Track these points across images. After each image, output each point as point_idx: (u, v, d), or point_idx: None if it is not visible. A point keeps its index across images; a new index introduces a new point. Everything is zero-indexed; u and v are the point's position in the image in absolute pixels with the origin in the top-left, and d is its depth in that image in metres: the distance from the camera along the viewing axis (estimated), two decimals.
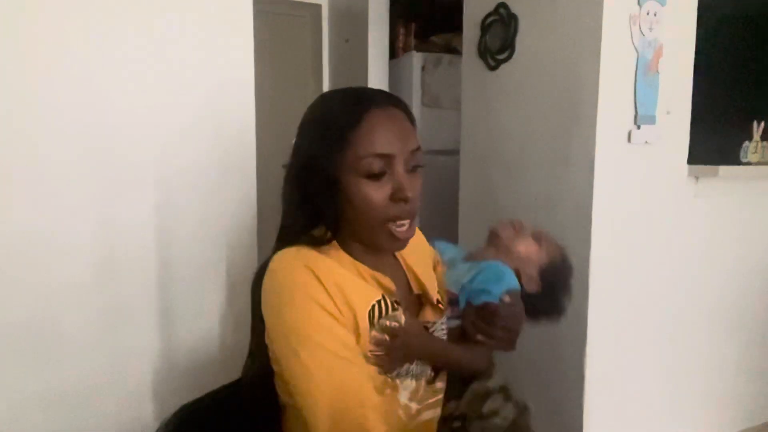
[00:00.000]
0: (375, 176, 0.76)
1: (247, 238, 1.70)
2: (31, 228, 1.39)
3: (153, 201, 1.53)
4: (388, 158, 0.76)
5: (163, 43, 1.51)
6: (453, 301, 0.95)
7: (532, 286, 1.01)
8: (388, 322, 0.80)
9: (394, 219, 0.78)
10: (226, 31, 1.60)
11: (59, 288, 1.43)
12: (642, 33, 1.58)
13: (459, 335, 0.92)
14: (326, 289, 0.74)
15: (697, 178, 1.78)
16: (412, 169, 0.80)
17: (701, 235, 1.85)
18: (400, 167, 0.77)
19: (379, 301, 0.80)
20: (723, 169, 1.73)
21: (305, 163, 0.79)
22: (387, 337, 0.79)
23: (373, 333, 0.78)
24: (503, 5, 1.86)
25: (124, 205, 1.49)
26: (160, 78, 1.51)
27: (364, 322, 0.77)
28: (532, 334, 1.80)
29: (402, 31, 3.12)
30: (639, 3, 1.57)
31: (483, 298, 0.91)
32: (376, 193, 0.76)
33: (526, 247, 1.02)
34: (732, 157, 1.87)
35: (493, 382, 0.98)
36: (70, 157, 1.42)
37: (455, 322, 0.94)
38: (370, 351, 0.78)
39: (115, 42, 1.45)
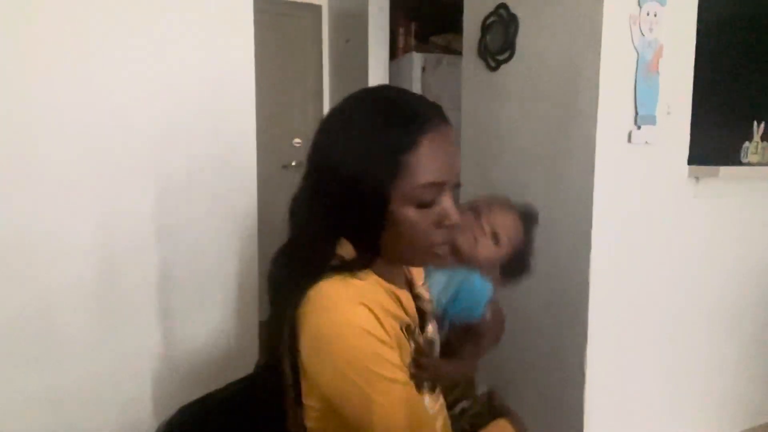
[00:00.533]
0: (425, 205, 0.71)
1: (248, 238, 1.70)
2: (32, 228, 1.39)
3: (153, 201, 1.53)
4: (440, 186, 0.71)
5: (163, 43, 1.51)
6: (435, 317, 0.96)
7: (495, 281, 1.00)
8: (423, 340, 0.81)
9: (440, 244, 0.75)
10: (226, 31, 1.60)
11: (59, 288, 1.43)
12: (642, 33, 1.58)
13: (445, 349, 0.95)
14: (381, 323, 0.70)
15: (697, 178, 1.78)
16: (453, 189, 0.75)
17: (701, 235, 1.85)
18: (448, 193, 0.73)
19: (411, 323, 0.80)
20: (723, 170, 1.73)
21: (342, 181, 0.70)
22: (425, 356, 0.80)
23: (415, 354, 0.78)
24: (503, 6, 1.86)
25: (124, 205, 1.49)
26: (160, 78, 1.51)
27: (402, 341, 0.76)
28: (533, 334, 1.81)
29: (402, 31, 3.12)
30: (639, 3, 1.57)
31: (466, 320, 0.95)
32: (424, 221, 0.71)
33: (486, 250, 0.99)
34: (732, 158, 1.87)
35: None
36: (70, 157, 1.42)
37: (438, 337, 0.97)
38: (413, 372, 0.77)
39: (115, 42, 1.45)
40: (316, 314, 0.69)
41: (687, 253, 1.83)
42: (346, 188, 0.70)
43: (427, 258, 0.76)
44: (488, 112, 1.98)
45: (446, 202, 0.72)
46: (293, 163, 3.34)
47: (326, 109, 3.37)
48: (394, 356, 0.70)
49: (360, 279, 0.72)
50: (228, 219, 1.65)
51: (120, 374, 1.52)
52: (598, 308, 1.64)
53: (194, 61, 1.56)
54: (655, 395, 1.84)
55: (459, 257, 0.97)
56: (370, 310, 0.69)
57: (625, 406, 1.77)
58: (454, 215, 0.72)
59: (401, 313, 0.78)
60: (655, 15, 1.59)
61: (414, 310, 0.83)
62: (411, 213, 0.70)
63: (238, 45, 1.62)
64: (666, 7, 1.61)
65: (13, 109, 1.35)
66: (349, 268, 0.73)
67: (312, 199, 0.75)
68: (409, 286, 0.87)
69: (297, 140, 3.36)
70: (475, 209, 1.00)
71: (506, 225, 1.01)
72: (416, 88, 2.90)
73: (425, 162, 0.69)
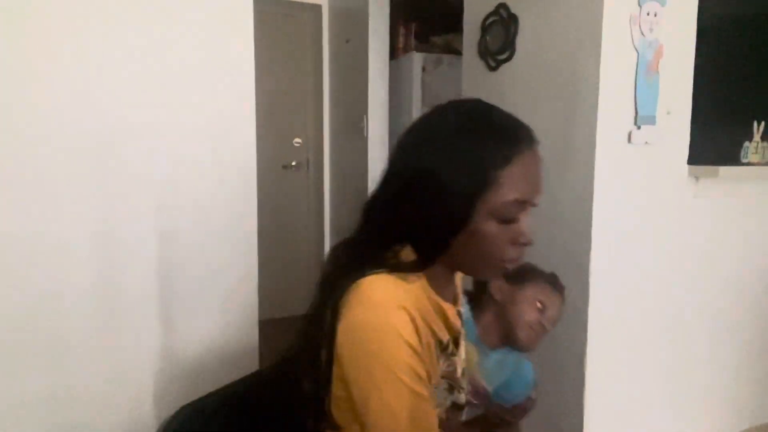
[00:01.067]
0: (507, 221, 0.72)
1: (248, 238, 1.70)
2: (32, 230, 1.39)
3: (153, 201, 1.53)
4: (524, 204, 0.72)
5: (163, 44, 1.51)
6: (481, 393, 1.03)
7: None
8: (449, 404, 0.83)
9: (511, 261, 0.75)
10: (226, 31, 1.60)
11: (60, 289, 1.43)
12: (642, 33, 1.58)
13: (482, 419, 1.03)
14: (418, 332, 0.71)
15: (697, 178, 1.78)
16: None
17: (701, 235, 1.85)
18: (528, 211, 0.74)
19: (447, 339, 0.81)
20: (723, 170, 1.73)
21: (431, 186, 0.71)
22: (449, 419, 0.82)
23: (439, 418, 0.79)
24: (503, 5, 1.86)
25: (124, 206, 1.49)
26: (160, 78, 1.51)
27: (433, 356, 0.77)
28: None
29: (402, 31, 3.12)
30: (639, 3, 1.57)
31: (513, 401, 1.08)
32: (503, 237, 0.72)
33: (536, 337, 1.09)
34: (732, 158, 1.87)
35: None
36: (70, 159, 1.42)
37: (478, 410, 1.05)
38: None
39: (115, 42, 1.45)
40: (359, 305, 0.70)
41: (687, 253, 1.83)
42: (433, 194, 0.71)
43: (495, 272, 0.78)
44: None
45: (525, 220, 0.74)
46: (293, 163, 3.35)
47: (326, 109, 3.37)
48: (420, 368, 0.71)
49: (410, 283, 0.73)
50: (228, 219, 1.65)
51: (120, 374, 1.52)
52: (598, 308, 1.65)
53: (194, 60, 1.56)
54: (655, 395, 1.84)
55: (512, 340, 1.07)
56: (411, 316, 0.70)
57: (625, 406, 1.77)
58: (530, 236, 0.74)
59: (441, 328, 0.78)
60: (655, 15, 1.59)
61: (457, 326, 0.83)
62: (492, 227, 0.71)
63: (238, 45, 1.62)
64: (666, 7, 1.61)
65: (13, 111, 1.35)
66: (403, 269, 0.73)
67: (392, 199, 0.76)
68: (454, 301, 0.87)
69: (297, 140, 3.36)
70: (524, 287, 1.08)
71: (554, 312, 1.11)
72: (416, 87, 2.90)
73: (516, 179, 0.70)
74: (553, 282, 1.15)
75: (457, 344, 0.85)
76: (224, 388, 0.93)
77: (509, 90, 1.87)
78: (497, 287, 1.10)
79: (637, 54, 1.59)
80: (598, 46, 1.54)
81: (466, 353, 0.94)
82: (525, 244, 0.74)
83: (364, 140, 2.95)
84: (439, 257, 0.75)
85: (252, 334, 1.71)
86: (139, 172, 1.50)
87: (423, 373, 0.71)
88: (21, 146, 1.37)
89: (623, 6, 1.55)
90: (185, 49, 1.54)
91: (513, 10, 1.83)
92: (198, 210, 1.60)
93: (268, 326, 2.37)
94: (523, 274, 1.11)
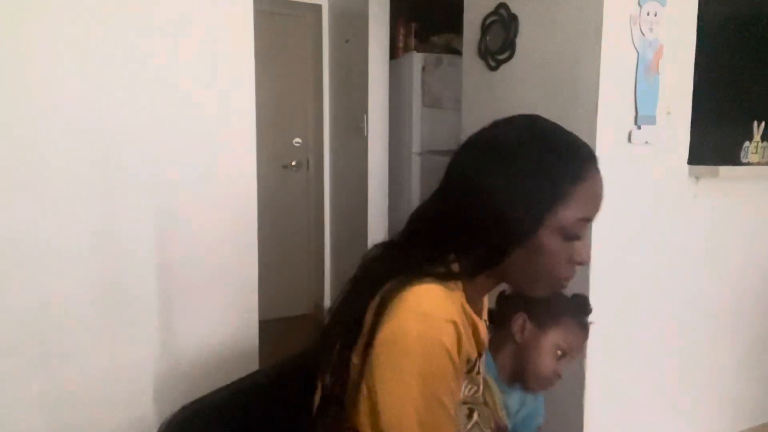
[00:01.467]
0: (571, 238, 0.71)
1: (248, 238, 1.70)
2: (32, 231, 1.39)
3: (153, 202, 1.53)
4: (588, 222, 0.72)
5: (163, 44, 1.51)
6: (503, 430, 1.01)
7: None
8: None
9: (566, 279, 0.74)
10: (226, 31, 1.60)
11: (60, 290, 1.43)
12: (642, 33, 1.58)
13: None
14: (460, 347, 0.69)
15: (697, 178, 1.78)
16: None
17: (701, 235, 1.85)
18: (588, 231, 0.73)
19: (475, 358, 0.79)
20: (723, 170, 1.73)
21: (499, 197, 0.70)
22: None
23: None
24: (503, 5, 1.86)
25: (124, 207, 1.49)
26: (160, 79, 1.51)
27: (460, 377, 0.75)
28: None
29: (402, 31, 3.12)
30: (639, 3, 1.57)
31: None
32: (564, 254, 0.71)
33: (552, 376, 1.07)
34: (732, 158, 1.87)
35: None
36: (70, 159, 1.42)
37: None
38: None
39: (115, 43, 1.45)
40: (407, 313, 0.66)
41: (687, 253, 1.83)
42: (504, 203, 0.69)
43: (548, 289, 0.76)
44: (488, 111, 1.98)
45: (585, 240, 0.73)
46: (293, 163, 3.35)
47: (326, 109, 3.37)
48: (457, 385, 0.69)
49: (452, 292, 0.71)
50: (228, 219, 1.65)
51: (121, 374, 1.52)
52: (598, 308, 1.64)
53: (194, 61, 1.56)
54: (655, 395, 1.84)
55: (523, 384, 1.05)
56: (458, 331, 0.68)
57: (625, 406, 1.77)
58: (588, 256, 0.74)
59: (472, 344, 0.76)
60: (656, 15, 1.59)
61: (485, 343, 0.81)
62: (556, 243, 0.70)
63: (238, 45, 1.62)
64: (666, 7, 1.61)
65: (13, 113, 1.36)
66: (448, 277, 0.71)
67: (453, 209, 0.74)
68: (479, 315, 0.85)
69: (297, 140, 3.36)
70: (547, 332, 1.04)
71: (575, 353, 1.08)
72: (416, 87, 2.90)
73: (587, 197, 0.71)
74: (580, 310, 1.12)
75: (478, 364, 0.83)
76: (224, 388, 0.93)
77: (509, 90, 1.87)
78: (519, 326, 1.05)
79: (637, 54, 1.59)
80: (598, 46, 1.54)
81: (489, 387, 0.93)
82: (582, 263, 0.73)
83: (364, 140, 2.95)
84: (491, 269, 0.73)
85: (252, 334, 1.71)
86: (139, 173, 1.50)
87: (458, 390, 0.70)
88: (21, 147, 1.37)
89: (623, 6, 1.55)
90: (185, 49, 1.54)
91: (513, 10, 1.83)
92: (198, 210, 1.60)
93: (268, 326, 2.37)
94: (549, 311, 1.05)
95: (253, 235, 1.71)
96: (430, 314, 0.66)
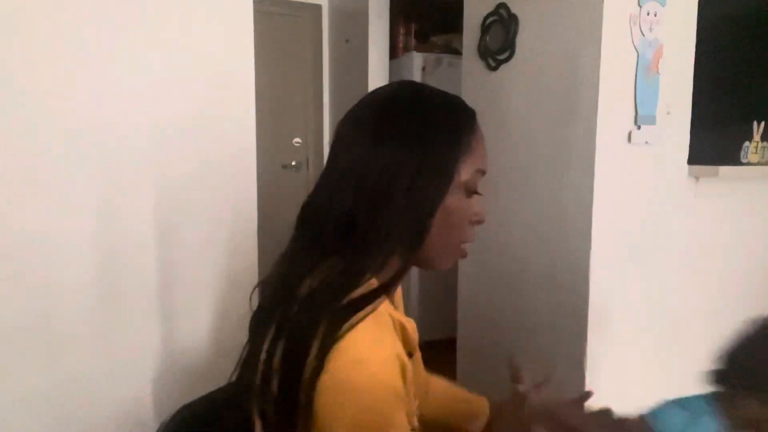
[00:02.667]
0: (473, 193, 0.69)
1: (248, 238, 1.70)
2: (31, 228, 1.39)
3: (153, 201, 1.53)
4: (483, 175, 0.71)
5: (162, 43, 1.51)
6: None
7: None
8: None
9: (467, 241, 0.72)
10: (226, 31, 1.60)
11: (59, 288, 1.43)
12: (642, 33, 1.58)
13: None
14: (405, 376, 0.64)
15: (697, 178, 1.78)
16: None
17: (701, 235, 1.85)
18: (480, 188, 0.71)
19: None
20: (723, 170, 1.73)
21: (405, 169, 0.64)
22: None
23: None
24: (503, 5, 1.86)
25: (123, 205, 1.49)
26: (159, 78, 1.51)
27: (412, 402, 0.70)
28: (533, 333, 1.81)
29: (402, 31, 3.12)
30: (639, 3, 1.57)
31: None
32: (467, 212, 0.70)
33: None
34: (732, 158, 1.87)
35: None
36: (69, 157, 1.42)
37: None
38: None
39: (115, 42, 1.45)
40: (349, 366, 0.60)
41: (687, 253, 1.83)
42: (413, 174, 0.64)
43: (455, 256, 0.73)
44: (488, 112, 1.98)
45: (478, 197, 0.71)
46: (293, 163, 3.34)
47: (326, 109, 3.37)
48: (405, 419, 0.64)
49: (378, 311, 0.64)
50: (228, 219, 1.65)
51: (120, 374, 1.52)
52: (598, 308, 1.64)
53: (194, 60, 1.56)
54: (656, 395, 1.84)
55: None
56: (402, 363, 0.64)
57: (625, 406, 1.77)
58: (484, 213, 0.72)
59: (405, 349, 0.69)
60: (655, 15, 1.59)
61: (415, 342, 0.75)
62: (461, 201, 0.68)
63: (238, 45, 1.62)
64: (666, 7, 1.61)
65: (12, 109, 1.35)
66: (372, 299, 0.63)
67: (360, 200, 0.65)
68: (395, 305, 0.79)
69: (297, 140, 3.36)
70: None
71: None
72: None
73: (480, 148, 0.70)
74: None
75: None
76: (224, 387, 0.93)
77: (509, 90, 1.87)
78: None
79: (637, 54, 1.59)
80: (598, 46, 1.54)
81: None
82: (480, 222, 0.72)
83: None
84: (412, 259, 0.69)
85: None
86: (138, 172, 1.50)
87: (406, 423, 0.64)
88: (20, 145, 1.37)
89: (623, 6, 1.55)
90: (185, 49, 1.54)
91: (513, 10, 1.83)
92: (198, 210, 1.59)
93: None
94: None
95: (253, 235, 1.70)
96: (370, 362, 0.61)
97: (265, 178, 2.91)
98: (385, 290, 0.66)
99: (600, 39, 1.54)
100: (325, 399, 0.60)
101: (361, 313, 0.61)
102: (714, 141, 1.80)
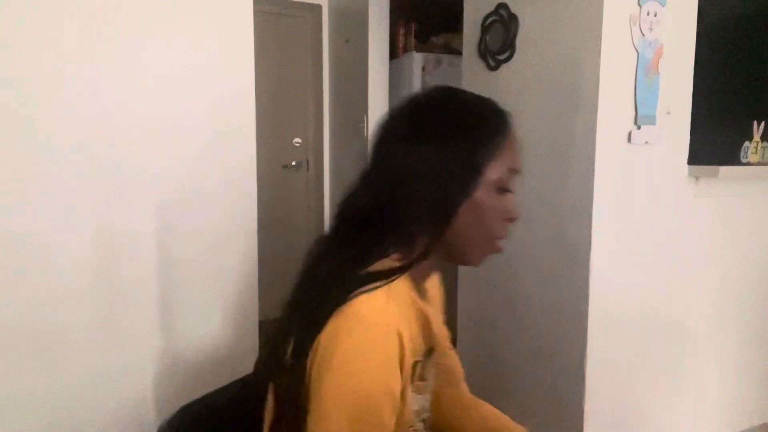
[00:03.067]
0: (505, 192, 0.72)
1: (247, 238, 1.70)
2: (32, 229, 1.39)
3: (153, 201, 1.53)
4: (517, 174, 0.74)
5: (163, 43, 1.51)
6: None
7: None
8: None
9: (501, 238, 0.75)
10: (226, 31, 1.60)
11: (60, 289, 1.43)
12: (642, 33, 1.58)
13: None
14: (403, 358, 0.65)
15: (697, 178, 1.78)
16: None
17: (701, 235, 1.85)
18: (514, 186, 0.74)
19: (420, 361, 0.73)
20: (723, 170, 1.73)
21: (431, 166, 0.68)
22: None
23: None
24: (503, 5, 1.86)
25: (124, 206, 1.49)
26: (160, 78, 1.51)
27: (407, 379, 0.69)
28: (533, 333, 1.81)
29: (402, 31, 3.13)
30: (639, 3, 1.57)
31: None
32: (498, 210, 0.72)
33: None
34: (732, 158, 1.87)
35: None
36: (70, 158, 1.42)
37: None
38: None
39: (116, 42, 1.45)
40: (344, 318, 0.62)
41: (687, 253, 1.83)
42: (440, 164, 0.68)
43: (488, 251, 0.75)
44: None
45: (513, 196, 0.74)
46: (293, 163, 3.35)
47: (326, 109, 3.37)
48: (391, 412, 0.65)
49: (397, 292, 0.66)
50: (228, 219, 1.65)
51: (121, 374, 1.52)
52: (598, 308, 1.64)
53: (194, 60, 1.56)
54: (655, 395, 1.84)
55: None
56: (401, 341, 0.64)
57: (625, 406, 1.77)
58: (517, 212, 0.74)
59: (423, 340, 0.72)
60: (655, 15, 1.59)
61: (438, 335, 0.77)
62: (492, 198, 0.71)
63: (238, 45, 1.62)
64: (666, 7, 1.61)
65: (14, 115, 1.36)
66: (392, 274, 0.66)
67: (380, 193, 0.71)
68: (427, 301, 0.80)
69: (297, 140, 3.36)
70: None
71: None
72: (416, 88, 2.90)
73: (513, 148, 0.73)
74: None
75: (426, 366, 0.76)
76: (224, 387, 0.93)
77: (509, 90, 1.87)
78: None
79: (637, 54, 1.59)
80: (598, 46, 1.54)
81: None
82: (513, 220, 0.74)
83: (364, 140, 2.95)
84: (437, 246, 0.71)
85: (252, 335, 1.71)
86: (139, 172, 1.50)
87: (390, 418, 0.65)
88: (21, 145, 1.37)
89: (623, 6, 1.55)
90: (185, 49, 1.54)
91: (513, 10, 1.83)
92: (198, 210, 1.60)
93: (268, 326, 2.38)
94: None
95: (253, 235, 1.71)
96: (374, 327, 0.62)
97: (265, 178, 2.91)
98: (403, 269, 0.68)
99: (600, 39, 1.54)
100: (318, 355, 0.62)
101: (372, 284, 0.64)
102: (714, 141, 1.80)
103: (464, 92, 0.77)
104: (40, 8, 1.36)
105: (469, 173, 0.69)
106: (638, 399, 1.80)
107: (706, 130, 1.77)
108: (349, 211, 0.75)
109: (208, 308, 1.64)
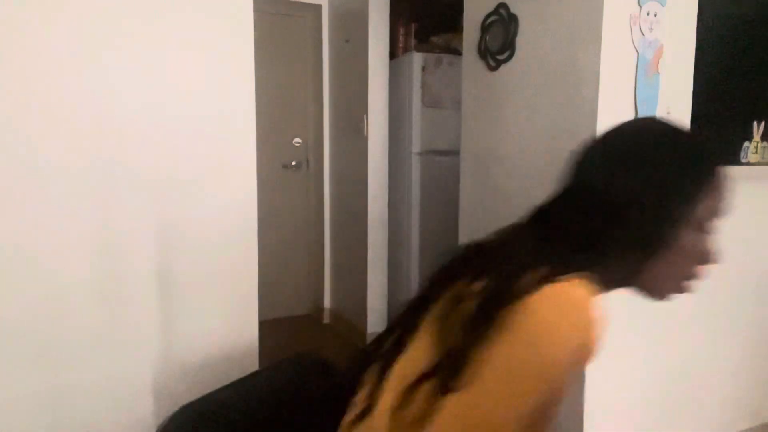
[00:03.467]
0: (708, 232, 0.72)
1: (248, 238, 1.70)
2: (33, 229, 1.39)
3: (153, 201, 1.53)
4: (719, 218, 0.73)
5: (163, 44, 1.51)
6: None
7: None
8: None
9: (692, 278, 0.76)
10: (226, 31, 1.60)
11: (61, 289, 1.43)
12: (642, 33, 1.58)
13: None
14: (590, 352, 0.68)
15: None
16: None
17: None
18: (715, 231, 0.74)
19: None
20: None
21: (643, 205, 0.69)
22: None
23: None
24: (503, 5, 1.86)
25: (124, 206, 1.49)
26: (160, 78, 1.51)
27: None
28: None
29: (402, 31, 3.12)
30: (639, 3, 1.57)
31: None
32: (697, 251, 0.73)
33: None
34: (732, 158, 1.87)
35: None
36: (70, 159, 1.42)
37: None
38: None
39: (116, 42, 1.45)
40: (550, 307, 0.63)
41: None
42: (655, 199, 0.69)
43: (677, 290, 0.77)
44: (488, 111, 1.98)
45: (713, 239, 0.73)
46: (293, 163, 3.35)
47: (326, 109, 3.37)
48: (560, 372, 0.66)
49: (594, 300, 0.68)
50: (228, 219, 1.65)
51: (121, 374, 1.52)
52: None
53: (194, 60, 1.56)
54: (655, 395, 1.84)
55: None
56: (582, 346, 0.66)
57: (625, 406, 1.77)
58: (719, 256, 0.74)
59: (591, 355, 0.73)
60: (656, 15, 1.59)
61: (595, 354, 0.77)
62: (694, 238, 0.72)
63: (238, 45, 1.62)
64: (666, 7, 1.61)
65: (15, 114, 1.36)
66: (590, 278, 0.68)
67: (590, 214, 0.73)
68: None
69: (297, 140, 3.36)
70: None
71: None
72: (416, 87, 2.90)
73: (720, 191, 0.72)
74: None
75: None
76: (224, 387, 0.93)
77: (509, 90, 1.87)
78: None
79: (637, 54, 1.59)
80: (598, 46, 1.54)
81: None
82: (712, 262, 0.75)
83: (364, 140, 2.95)
84: (630, 278, 0.74)
85: (252, 334, 1.71)
86: (139, 173, 1.50)
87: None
88: (22, 147, 1.37)
89: (623, 6, 1.55)
90: (185, 49, 1.54)
91: (513, 10, 1.83)
92: (198, 210, 1.60)
93: (268, 326, 2.38)
94: None
95: (254, 235, 1.71)
96: (578, 311, 0.65)
97: (265, 178, 2.91)
98: (599, 283, 0.70)
99: (600, 39, 1.54)
100: (512, 338, 0.62)
101: (576, 275, 0.66)
102: (714, 141, 1.80)
103: (677, 127, 0.76)
104: (39, 8, 1.36)
105: (685, 208, 0.70)
106: (638, 399, 1.80)
107: (706, 130, 1.77)
108: (548, 221, 0.78)
109: (208, 308, 1.64)
